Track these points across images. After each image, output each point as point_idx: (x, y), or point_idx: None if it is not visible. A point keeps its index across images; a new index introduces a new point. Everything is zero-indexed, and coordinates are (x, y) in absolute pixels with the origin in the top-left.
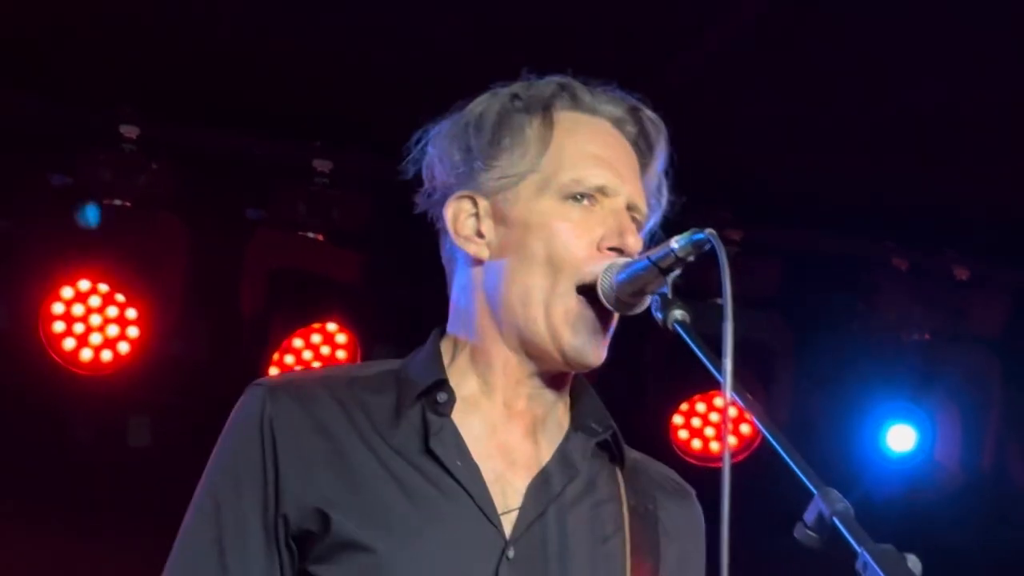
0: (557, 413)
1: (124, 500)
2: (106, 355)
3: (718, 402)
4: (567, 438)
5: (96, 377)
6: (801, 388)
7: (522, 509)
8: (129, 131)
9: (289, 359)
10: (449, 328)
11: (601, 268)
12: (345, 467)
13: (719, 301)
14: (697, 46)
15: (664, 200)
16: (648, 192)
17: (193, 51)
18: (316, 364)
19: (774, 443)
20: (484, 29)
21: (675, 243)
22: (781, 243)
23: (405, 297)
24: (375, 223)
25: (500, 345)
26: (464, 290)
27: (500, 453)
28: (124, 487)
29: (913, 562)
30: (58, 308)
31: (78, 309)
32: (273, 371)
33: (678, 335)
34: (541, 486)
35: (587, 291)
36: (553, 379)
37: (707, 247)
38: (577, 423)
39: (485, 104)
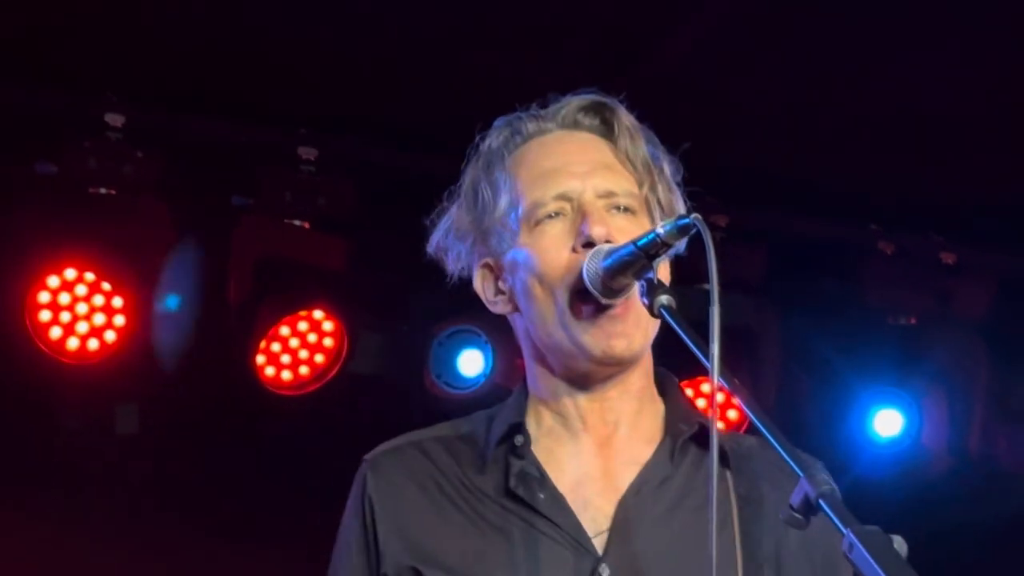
0: (643, 425)
1: (113, 488)
2: (93, 344)
3: (705, 388)
4: (658, 447)
5: (83, 366)
6: (787, 373)
7: (613, 526)
8: (114, 119)
9: (276, 347)
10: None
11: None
12: (439, 521)
13: (705, 287)
14: (685, 32)
15: (665, 165)
16: (633, 168)
17: (179, 39)
18: (303, 353)
19: (760, 427)
20: (467, 17)
21: (660, 228)
22: (767, 228)
23: (392, 284)
24: (361, 210)
25: (555, 380)
26: (521, 343)
27: (588, 480)
28: (112, 475)
29: (899, 543)
30: (44, 297)
31: (64, 298)
32: (260, 359)
33: (664, 321)
34: (631, 501)
35: (584, 292)
36: (614, 391)
37: (692, 231)
38: (668, 429)
39: (464, 180)
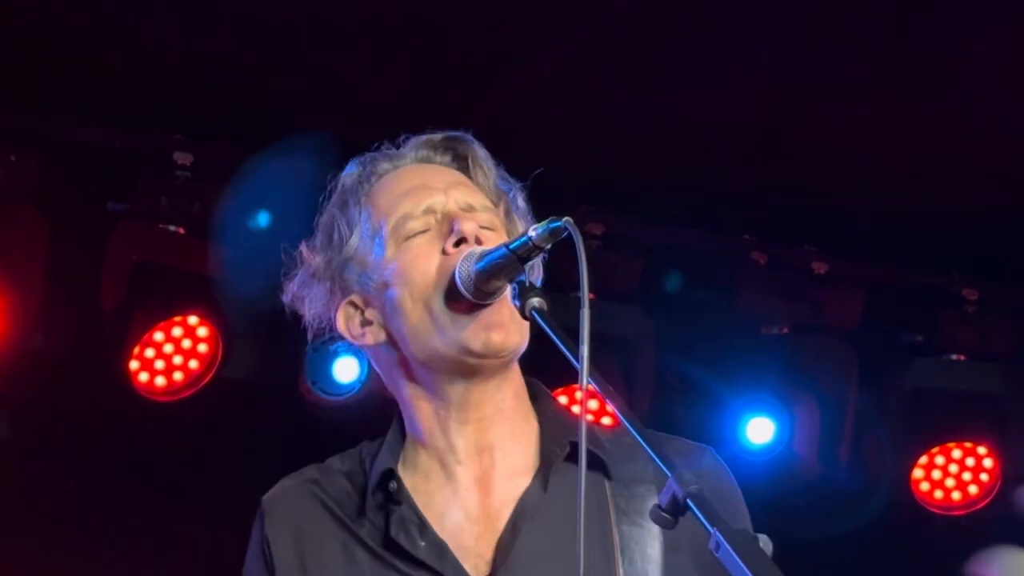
0: (518, 452)
1: None
2: None
3: (580, 395)
4: (534, 477)
5: None
6: (661, 381)
7: (492, 570)
8: None
9: (150, 352)
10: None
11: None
12: (323, 570)
13: (577, 294)
14: (557, 43)
15: (517, 195)
16: (487, 188)
17: (52, 42)
18: (177, 359)
19: (629, 427)
20: (345, 22)
21: (532, 231)
22: (642, 238)
23: (267, 291)
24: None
25: (429, 407)
26: (390, 377)
27: (468, 524)
28: None
29: (765, 541)
30: None
31: None
32: (134, 365)
33: (538, 327)
34: (508, 540)
35: (457, 294)
36: (489, 409)
37: (564, 234)
38: (543, 453)
39: (318, 224)
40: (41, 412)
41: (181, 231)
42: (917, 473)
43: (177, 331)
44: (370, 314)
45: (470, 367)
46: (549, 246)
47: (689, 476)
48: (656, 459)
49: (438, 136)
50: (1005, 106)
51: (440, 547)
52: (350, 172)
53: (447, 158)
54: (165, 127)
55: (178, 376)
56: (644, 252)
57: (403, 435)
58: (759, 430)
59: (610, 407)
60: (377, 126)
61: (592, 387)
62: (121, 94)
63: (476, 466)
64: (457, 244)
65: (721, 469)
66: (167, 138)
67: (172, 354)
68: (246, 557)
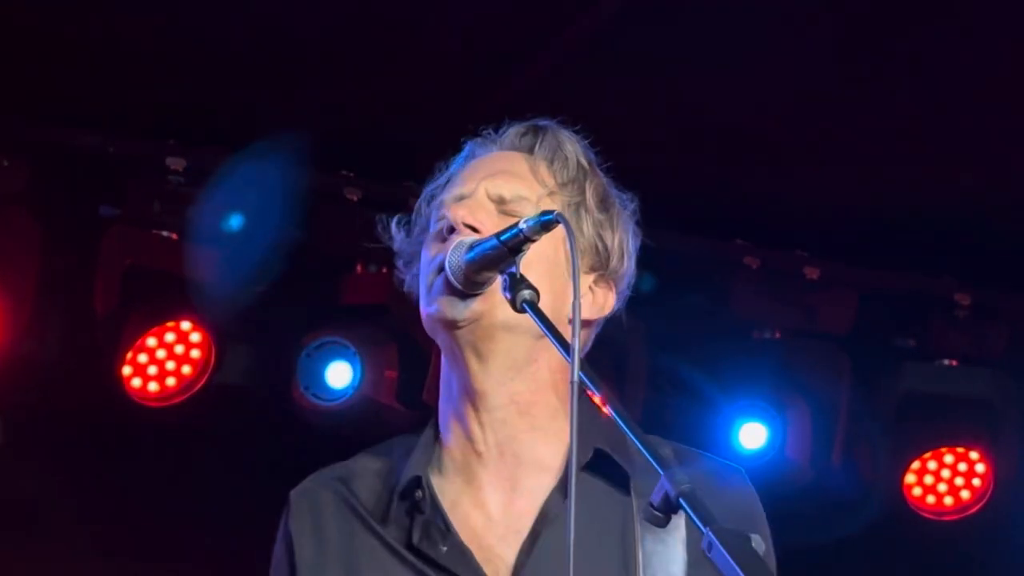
0: (541, 450)
1: None
2: None
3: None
4: (558, 480)
5: None
6: (653, 387)
7: (515, 571)
8: None
9: (143, 358)
10: None
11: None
12: (345, 570)
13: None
14: (556, 45)
15: (592, 174)
16: (552, 175)
17: (46, 45)
18: (170, 364)
19: (620, 423)
20: (343, 24)
21: (523, 223)
22: (634, 242)
23: (260, 296)
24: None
25: (448, 403)
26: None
27: (491, 526)
28: None
29: (756, 542)
30: None
31: None
32: (127, 370)
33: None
34: (530, 543)
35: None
36: (500, 400)
37: (555, 226)
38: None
39: None
40: (33, 418)
41: (174, 236)
42: (909, 478)
43: (170, 336)
44: None
45: (437, 333)
46: (540, 238)
47: (681, 475)
48: (648, 455)
49: (525, 125)
50: (1000, 112)
51: (460, 551)
52: (465, 148)
53: (531, 142)
54: (158, 132)
55: (171, 381)
56: (636, 256)
57: (430, 443)
58: (751, 435)
59: (600, 401)
60: (378, 128)
61: (581, 380)
62: (114, 99)
63: (498, 465)
64: (451, 232)
65: (747, 492)
66: (160, 143)
67: (165, 359)
68: (273, 551)
